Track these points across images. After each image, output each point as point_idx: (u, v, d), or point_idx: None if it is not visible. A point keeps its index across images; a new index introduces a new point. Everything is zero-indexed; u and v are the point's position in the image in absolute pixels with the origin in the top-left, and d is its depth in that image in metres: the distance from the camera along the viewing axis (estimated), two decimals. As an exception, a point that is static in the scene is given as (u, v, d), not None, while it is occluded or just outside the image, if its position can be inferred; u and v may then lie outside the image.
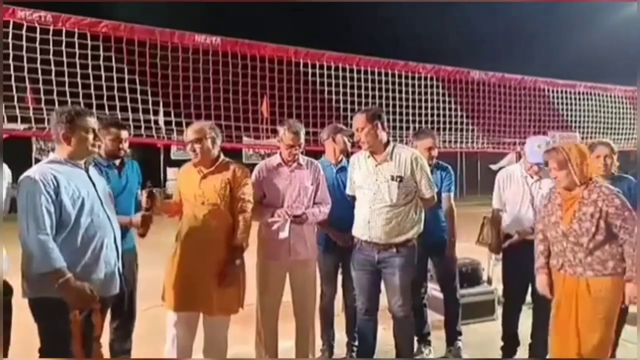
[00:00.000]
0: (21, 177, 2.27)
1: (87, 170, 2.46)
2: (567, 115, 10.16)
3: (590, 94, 10.12)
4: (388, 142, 3.12)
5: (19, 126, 6.31)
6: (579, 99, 10.04)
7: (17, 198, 2.25)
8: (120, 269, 2.52)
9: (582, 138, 9.71)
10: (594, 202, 2.65)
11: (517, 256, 3.33)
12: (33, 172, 2.28)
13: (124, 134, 3.16)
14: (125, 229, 2.88)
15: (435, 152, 3.67)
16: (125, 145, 3.16)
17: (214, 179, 2.96)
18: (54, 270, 2.18)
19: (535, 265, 2.94)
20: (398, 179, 3.01)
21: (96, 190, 2.43)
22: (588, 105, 10.14)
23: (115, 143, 3.09)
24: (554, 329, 2.82)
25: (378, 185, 3.04)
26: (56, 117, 2.38)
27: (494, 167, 14.48)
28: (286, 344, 3.39)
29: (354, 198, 3.23)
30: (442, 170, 3.72)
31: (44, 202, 2.20)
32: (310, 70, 7.27)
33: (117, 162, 3.14)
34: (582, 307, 2.67)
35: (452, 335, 3.73)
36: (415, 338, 3.63)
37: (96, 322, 2.46)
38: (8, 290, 2.26)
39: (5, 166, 2.30)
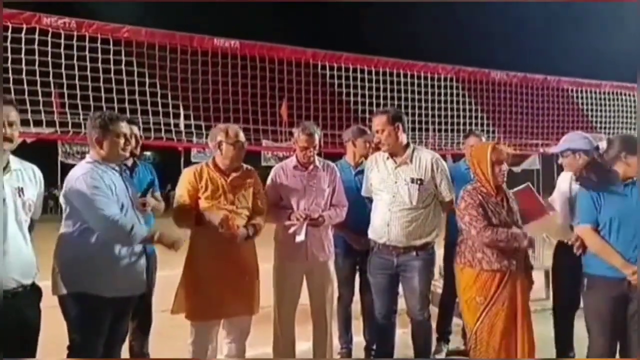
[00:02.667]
0: (73, 178, 2.37)
1: (120, 173, 2.55)
2: (592, 116, 9.90)
3: (617, 94, 9.84)
4: (407, 144, 3.10)
5: (45, 130, 6.48)
6: (605, 99, 9.78)
7: (71, 196, 2.35)
8: (146, 270, 2.58)
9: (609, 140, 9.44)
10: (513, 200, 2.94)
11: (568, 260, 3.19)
12: (77, 171, 2.40)
13: (134, 130, 3.18)
14: None
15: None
16: (135, 142, 3.17)
17: (244, 185, 2.98)
18: (148, 237, 2.40)
19: (522, 242, 2.76)
20: (418, 182, 2.98)
21: (128, 192, 2.53)
22: (614, 105, 9.86)
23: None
24: (500, 327, 2.79)
25: (397, 188, 3.01)
26: (91, 121, 2.51)
27: (516, 169, 14.22)
28: (304, 346, 3.38)
29: (369, 200, 3.20)
30: None
31: (100, 189, 2.34)
32: (328, 72, 7.26)
33: (130, 163, 3.18)
34: (522, 300, 2.82)
35: None
36: (436, 336, 3.60)
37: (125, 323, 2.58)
38: (38, 293, 2.27)
39: (37, 169, 2.34)
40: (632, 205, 2.64)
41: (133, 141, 3.17)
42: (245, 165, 3.08)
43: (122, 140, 2.50)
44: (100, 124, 2.46)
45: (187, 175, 2.97)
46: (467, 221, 2.80)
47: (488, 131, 9.34)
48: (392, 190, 3.03)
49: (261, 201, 3.06)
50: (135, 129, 3.20)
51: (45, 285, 2.36)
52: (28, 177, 2.23)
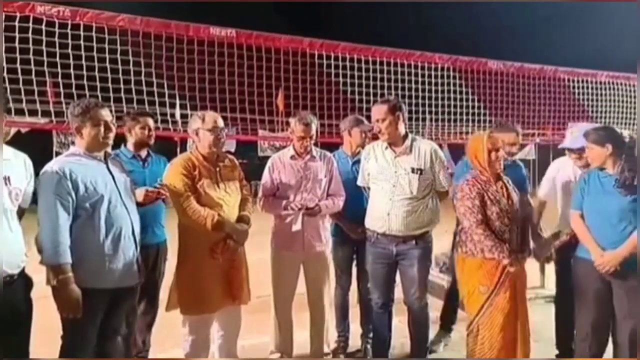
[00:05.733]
0: (42, 171, 2.32)
1: (106, 163, 2.48)
2: (588, 106, 9.92)
3: (613, 83, 9.85)
4: (406, 134, 3.10)
5: (40, 120, 6.45)
6: (601, 88, 9.79)
7: (37, 190, 2.30)
8: (140, 261, 2.53)
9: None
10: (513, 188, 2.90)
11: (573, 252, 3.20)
12: (52, 165, 2.33)
13: (151, 122, 3.25)
14: (158, 223, 3.08)
15: (515, 149, 3.48)
16: (153, 133, 3.25)
17: (231, 175, 2.91)
18: (58, 265, 2.22)
19: (503, 258, 2.71)
20: (418, 172, 3.00)
21: (115, 183, 2.45)
22: (610, 95, 9.88)
23: (145, 131, 3.18)
24: (500, 317, 2.80)
25: (397, 178, 3.02)
26: (70, 110, 2.44)
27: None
28: (302, 334, 3.42)
29: (365, 189, 3.22)
30: (515, 169, 3.44)
31: (60, 195, 2.26)
32: (325, 62, 7.24)
33: (143, 154, 3.19)
34: (520, 288, 2.83)
35: None
36: (439, 323, 3.64)
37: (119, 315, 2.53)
38: (28, 283, 2.27)
39: (28, 159, 2.33)
40: (610, 197, 2.74)
41: (153, 133, 3.21)
42: (228, 156, 3.01)
43: (102, 128, 2.40)
44: (79, 112, 2.39)
45: (177, 167, 2.76)
46: (462, 212, 2.82)
47: (484, 120, 9.37)
48: (392, 180, 3.03)
49: (246, 190, 3.01)
50: (150, 120, 3.23)
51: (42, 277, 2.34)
52: (18, 167, 2.22)
